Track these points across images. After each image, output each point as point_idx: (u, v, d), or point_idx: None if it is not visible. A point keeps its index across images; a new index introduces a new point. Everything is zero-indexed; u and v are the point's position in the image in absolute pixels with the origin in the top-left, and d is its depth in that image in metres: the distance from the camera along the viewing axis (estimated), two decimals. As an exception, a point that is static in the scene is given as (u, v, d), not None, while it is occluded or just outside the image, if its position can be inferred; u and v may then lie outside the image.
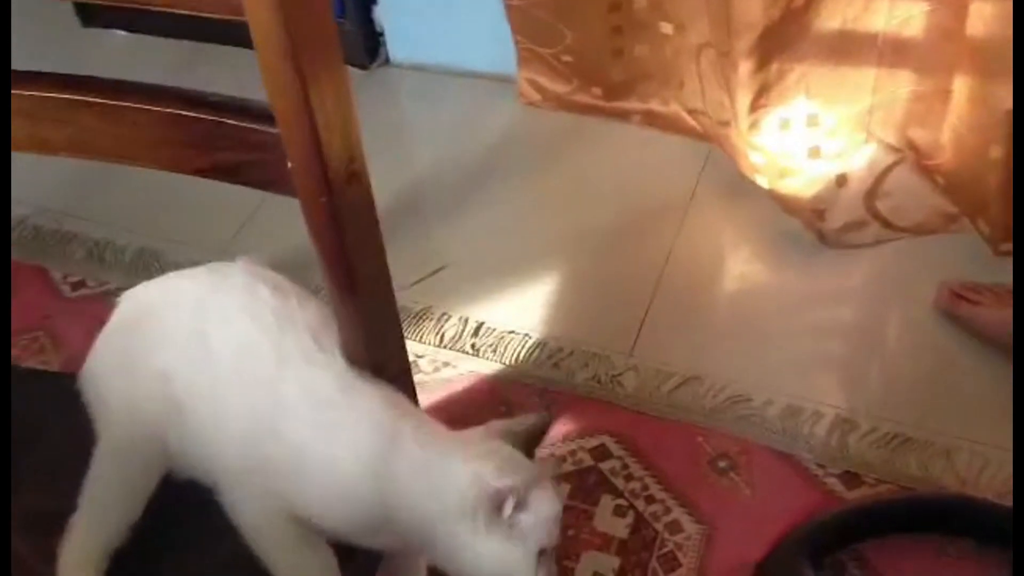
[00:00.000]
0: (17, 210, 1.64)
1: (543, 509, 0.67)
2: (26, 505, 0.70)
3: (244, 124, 0.60)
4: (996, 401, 1.24)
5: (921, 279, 1.44)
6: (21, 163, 1.79)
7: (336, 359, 0.70)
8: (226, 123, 0.59)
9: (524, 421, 0.75)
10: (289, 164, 0.59)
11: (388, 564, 0.81)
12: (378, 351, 0.70)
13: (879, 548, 1.12)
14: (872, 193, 1.48)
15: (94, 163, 1.77)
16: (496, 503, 0.65)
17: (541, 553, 0.68)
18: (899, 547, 1.12)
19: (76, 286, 1.53)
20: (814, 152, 1.46)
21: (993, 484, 1.17)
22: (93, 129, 0.64)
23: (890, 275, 1.47)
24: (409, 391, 0.77)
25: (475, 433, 0.73)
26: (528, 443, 0.73)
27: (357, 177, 0.61)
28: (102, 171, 1.81)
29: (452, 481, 0.66)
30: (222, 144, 0.61)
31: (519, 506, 0.65)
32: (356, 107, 0.60)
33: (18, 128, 0.66)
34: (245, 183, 0.64)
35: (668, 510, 1.19)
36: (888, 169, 1.48)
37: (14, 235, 1.61)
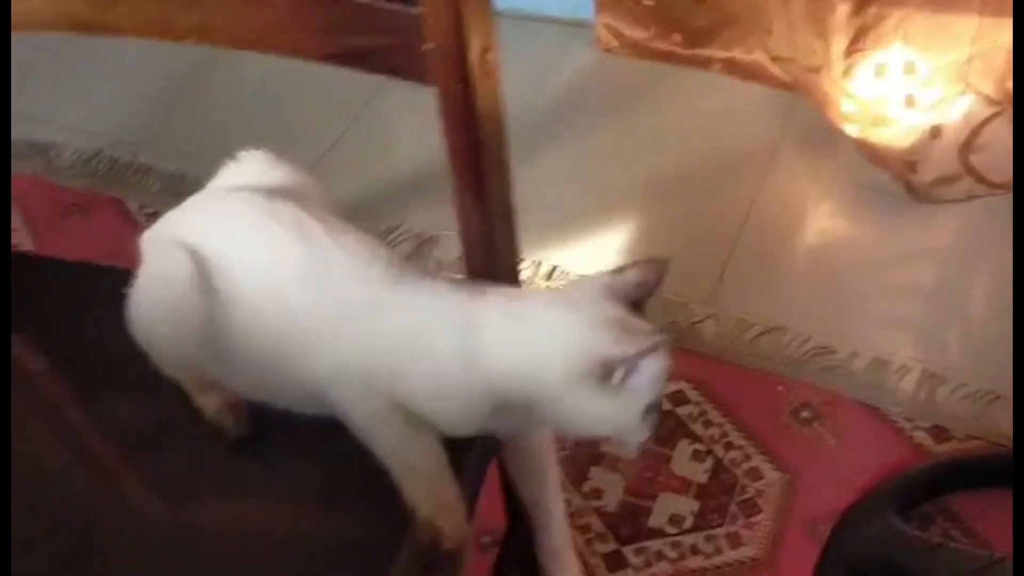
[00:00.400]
0: (93, 142, 1.65)
1: (652, 369, 0.64)
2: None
3: (383, 5, 0.58)
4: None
5: (1011, 238, 1.38)
6: (97, 96, 1.81)
7: (394, 253, 0.69)
8: (364, 4, 0.57)
9: (635, 271, 0.69)
10: (426, 46, 0.56)
11: (507, 450, 0.78)
12: (494, 254, 0.68)
13: (967, 502, 1.09)
14: (967, 146, 1.42)
15: (170, 95, 1.78)
16: (606, 372, 0.63)
17: (648, 407, 0.66)
18: (987, 501, 1.08)
19: (151, 217, 1.53)
20: (909, 101, 1.40)
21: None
22: (224, 12, 0.62)
23: (980, 232, 1.42)
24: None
25: (581, 292, 0.68)
26: (640, 295, 0.69)
27: (491, 69, 0.59)
28: (177, 104, 1.81)
29: (557, 350, 0.64)
30: (358, 27, 0.59)
31: (629, 371, 0.63)
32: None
33: (144, 10, 0.64)
34: (373, 69, 0.62)
35: (748, 457, 1.16)
36: (985, 122, 1.42)
37: (91, 166, 1.62)
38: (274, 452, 0.69)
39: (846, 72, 1.39)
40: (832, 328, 1.30)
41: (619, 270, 0.69)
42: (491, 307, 0.67)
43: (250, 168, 0.78)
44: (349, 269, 0.68)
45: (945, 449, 1.14)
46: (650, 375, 0.65)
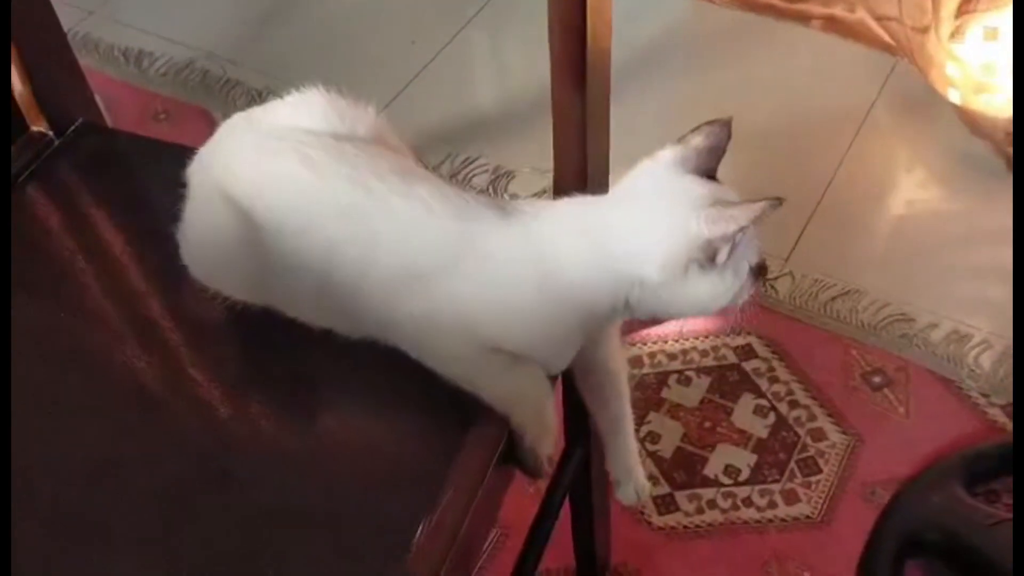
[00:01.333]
0: (186, 54, 1.67)
1: (751, 232, 0.61)
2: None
3: None
4: None
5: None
6: (192, 10, 1.82)
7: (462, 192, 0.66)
8: None
9: (701, 137, 0.65)
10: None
11: (578, 368, 0.74)
12: (590, 164, 0.67)
13: (1040, 485, 1.05)
14: (1077, 121, 1.35)
15: (264, 13, 1.79)
16: (710, 255, 0.60)
17: (754, 268, 0.63)
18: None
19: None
20: (1019, 69, 1.34)
21: None
22: None
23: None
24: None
25: (652, 176, 0.64)
26: (712, 161, 0.66)
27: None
28: (271, 22, 1.82)
29: (652, 248, 0.60)
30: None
31: (733, 247, 0.60)
32: None
33: None
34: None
35: (813, 417, 1.13)
36: (1098, 97, 1.34)
37: (181, 76, 1.64)
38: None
39: (955, 33, 1.33)
40: (912, 297, 1.26)
41: (684, 140, 0.65)
42: (562, 224, 0.63)
43: (308, 110, 0.71)
44: (413, 217, 0.63)
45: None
46: (753, 242, 0.62)
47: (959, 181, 1.42)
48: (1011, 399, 1.13)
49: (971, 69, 1.35)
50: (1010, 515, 0.98)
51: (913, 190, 1.44)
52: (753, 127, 1.52)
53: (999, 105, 1.36)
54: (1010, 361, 1.17)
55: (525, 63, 1.62)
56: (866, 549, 1.00)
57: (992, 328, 1.21)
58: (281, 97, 0.74)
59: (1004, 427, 1.10)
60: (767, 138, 1.49)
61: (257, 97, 1.60)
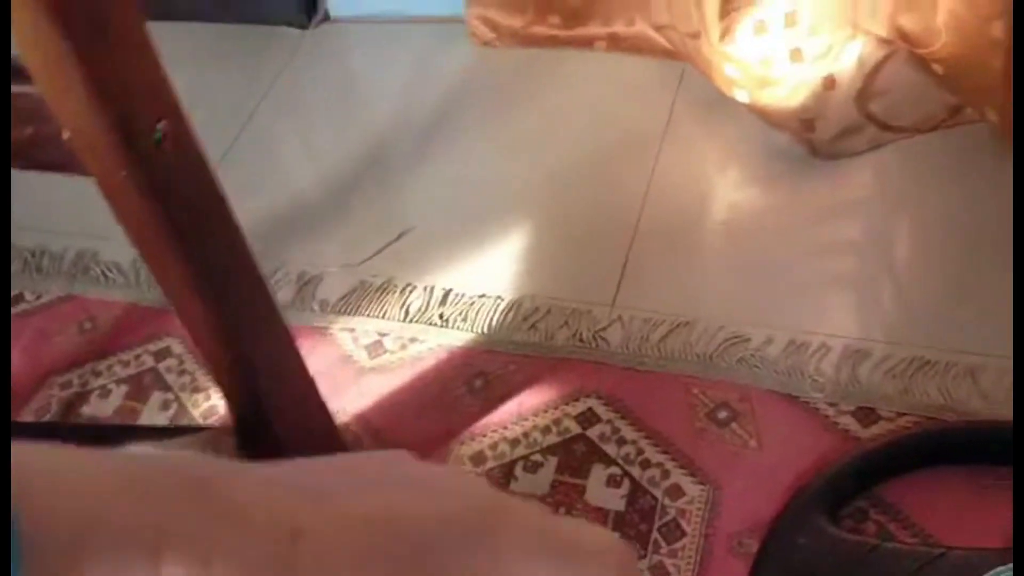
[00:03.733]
0: None
1: None
2: None
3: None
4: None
5: (927, 182, 1.30)
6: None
7: None
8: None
9: None
10: (65, 135, 0.46)
11: None
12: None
13: (903, 489, 1.00)
14: (864, 93, 1.33)
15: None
16: None
17: None
18: (922, 485, 1.00)
19: (15, 300, 1.42)
20: (795, 55, 1.31)
21: (1027, 403, 1.04)
22: None
23: (893, 182, 1.33)
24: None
25: None
26: None
27: (175, 139, 0.48)
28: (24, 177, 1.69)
29: None
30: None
31: None
32: (159, 57, 0.47)
33: None
34: (33, 166, 0.51)
35: (667, 473, 1.07)
36: (880, 64, 1.32)
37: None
38: None
39: (725, 34, 1.29)
40: (745, 313, 1.21)
41: None
42: None
43: None
44: None
45: (873, 432, 1.05)
46: None
47: (769, 176, 1.38)
48: (859, 403, 1.08)
49: (750, 66, 1.31)
50: (878, 540, 0.92)
51: (726, 194, 1.40)
52: (556, 169, 1.47)
53: (785, 95, 1.32)
54: (851, 361, 1.12)
55: (310, 155, 1.53)
56: (744, 611, 0.94)
57: (829, 330, 1.17)
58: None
59: (857, 435, 1.05)
60: (572, 177, 1.43)
61: (30, 258, 1.47)
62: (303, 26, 1.74)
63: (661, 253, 1.31)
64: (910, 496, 1.00)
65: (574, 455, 1.10)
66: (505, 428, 1.14)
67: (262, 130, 1.58)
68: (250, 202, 1.50)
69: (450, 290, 1.31)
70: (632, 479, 1.07)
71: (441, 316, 1.28)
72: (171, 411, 1.23)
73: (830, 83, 1.33)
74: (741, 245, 1.31)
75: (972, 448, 1.00)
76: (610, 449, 1.10)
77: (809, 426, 1.07)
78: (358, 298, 1.31)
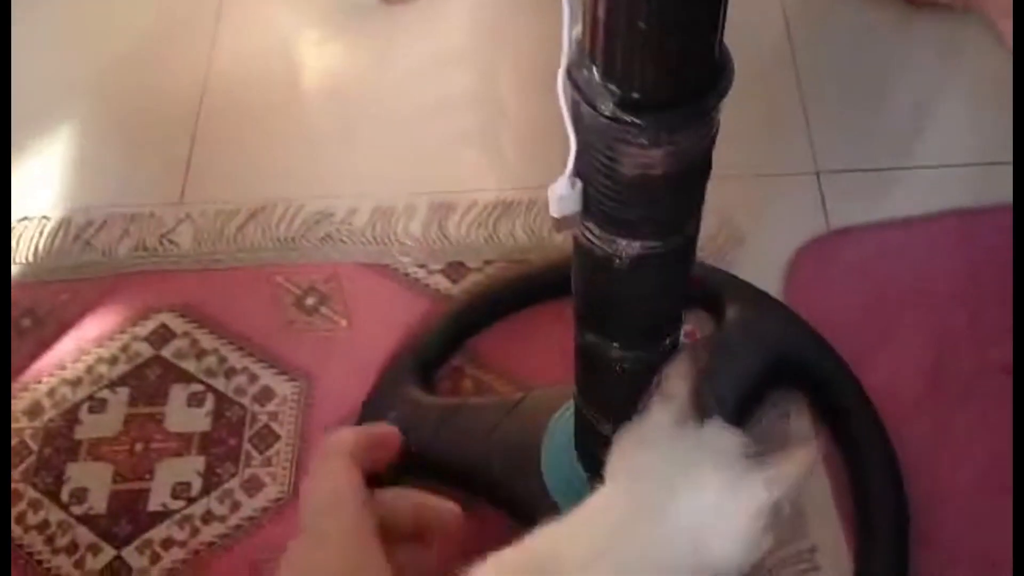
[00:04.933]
0: None
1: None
2: None
3: None
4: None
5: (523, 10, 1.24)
6: None
7: None
8: None
9: (681, 380, 0.52)
10: None
11: None
12: None
13: (496, 339, 0.96)
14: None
15: None
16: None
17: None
18: (511, 331, 0.96)
19: None
20: None
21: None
22: None
23: (483, 19, 1.26)
24: None
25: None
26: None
27: None
28: None
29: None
30: None
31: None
32: None
33: None
34: None
35: (254, 377, 0.96)
36: None
37: None
38: None
39: None
40: (328, 186, 1.10)
41: (667, 391, 0.52)
42: None
43: None
44: None
45: (463, 288, 1.00)
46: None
47: (342, 31, 1.26)
48: (449, 259, 1.02)
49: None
50: (465, 399, 0.88)
51: (297, 58, 1.25)
52: (104, 55, 1.25)
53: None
54: (437, 216, 1.05)
55: None
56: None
57: (415, 187, 1.09)
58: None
59: (449, 294, 1.00)
60: (122, 63, 1.23)
61: None
62: None
63: (230, 135, 1.16)
64: (504, 345, 0.96)
65: (148, 381, 0.96)
66: (64, 368, 0.97)
67: None
68: None
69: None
70: (216, 392, 0.95)
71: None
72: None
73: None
74: (319, 113, 1.18)
75: (556, 285, 0.97)
76: (189, 365, 0.97)
77: (401, 294, 1.00)
78: None
